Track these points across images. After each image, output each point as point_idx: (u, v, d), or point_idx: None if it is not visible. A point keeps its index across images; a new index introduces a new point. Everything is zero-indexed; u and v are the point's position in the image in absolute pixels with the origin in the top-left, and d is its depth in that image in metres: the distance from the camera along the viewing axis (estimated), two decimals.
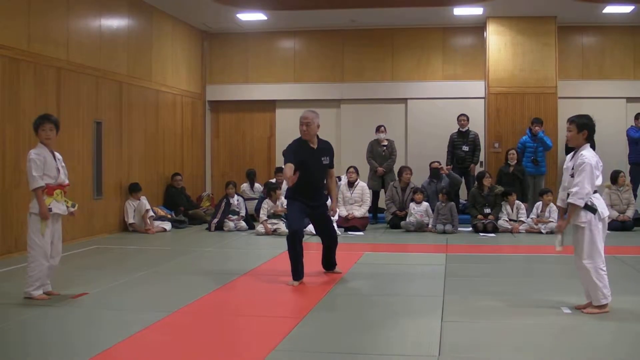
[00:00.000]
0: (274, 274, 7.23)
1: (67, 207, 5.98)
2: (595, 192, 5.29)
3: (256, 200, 12.25)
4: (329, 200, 7.39)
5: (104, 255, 8.55)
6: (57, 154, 6.00)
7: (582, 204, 5.20)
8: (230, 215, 11.13)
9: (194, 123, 13.62)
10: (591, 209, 5.24)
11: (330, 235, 7.08)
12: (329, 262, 7.18)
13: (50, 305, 5.59)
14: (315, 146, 6.75)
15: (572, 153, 5.46)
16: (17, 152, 8.25)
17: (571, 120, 5.43)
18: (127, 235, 10.35)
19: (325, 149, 6.87)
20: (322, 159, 6.77)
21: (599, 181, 5.30)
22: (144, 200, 10.73)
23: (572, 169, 5.31)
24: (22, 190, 8.31)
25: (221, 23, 13.30)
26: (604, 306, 5.25)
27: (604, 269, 5.25)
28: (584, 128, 5.36)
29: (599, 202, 5.30)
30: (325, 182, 7.11)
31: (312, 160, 6.65)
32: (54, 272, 5.98)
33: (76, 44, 9.46)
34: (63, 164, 6.04)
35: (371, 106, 13.58)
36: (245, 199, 11.84)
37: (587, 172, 5.19)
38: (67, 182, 6.04)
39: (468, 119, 12.23)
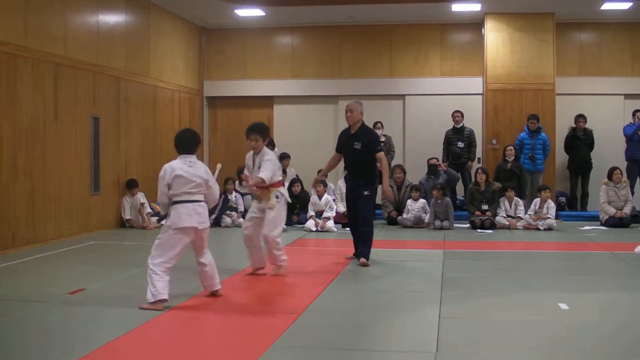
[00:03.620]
0: (271, 270, 7.23)
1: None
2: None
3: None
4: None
5: (101, 251, 8.54)
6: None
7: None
8: (228, 212, 11.13)
9: (192, 119, 13.59)
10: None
11: (358, 216, 7.48)
12: (356, 247, 7.57)
13: (47, 301, 5.59)
14: (353, 132, 7.52)
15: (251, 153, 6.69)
16: (14, 148, 8.23)
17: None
18: (124, 231, 10.33)
19: (361, 135, 7.52)
20: (355, 144, 7.44)
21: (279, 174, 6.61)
22: (139, 195, 10.72)
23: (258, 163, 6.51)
24: (19, 186, 8.32)
25: (219, 19, 13.27)
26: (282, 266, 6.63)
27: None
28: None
29: (285, 191, 6.74)
30: (368, 165, 7.57)
31: (347, 146, 7.54)
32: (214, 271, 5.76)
33: (74, 39, 9.43)
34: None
35: (369, 102, 13.31)
36: (243, 195, 11.83)
37: (272, 161, 6.51)
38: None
39: (463, 116, 12.24)
